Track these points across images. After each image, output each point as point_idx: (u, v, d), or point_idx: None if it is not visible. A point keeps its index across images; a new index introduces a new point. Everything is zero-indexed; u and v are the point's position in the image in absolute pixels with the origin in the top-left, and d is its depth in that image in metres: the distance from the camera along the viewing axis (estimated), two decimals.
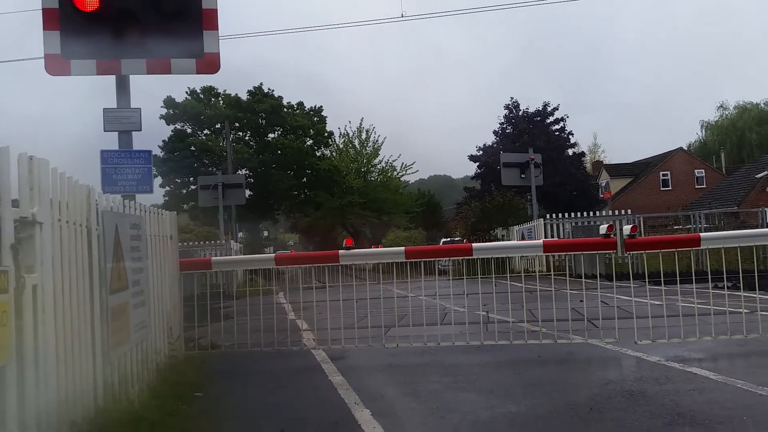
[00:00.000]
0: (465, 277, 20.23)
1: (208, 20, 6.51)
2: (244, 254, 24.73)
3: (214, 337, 8.16)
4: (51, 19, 6.40)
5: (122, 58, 6.39)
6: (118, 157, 6.56)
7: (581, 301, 11.22)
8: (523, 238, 20.84)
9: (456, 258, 24.61)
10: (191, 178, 40.10)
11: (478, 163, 41.39)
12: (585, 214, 19.74)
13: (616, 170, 50.13)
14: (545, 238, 19.35)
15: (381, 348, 7.56)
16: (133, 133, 6.81)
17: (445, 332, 8.45)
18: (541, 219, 20.27)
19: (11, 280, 3.07)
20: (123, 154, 6.57)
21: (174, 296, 6.82)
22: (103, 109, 6.62)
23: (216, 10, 6.58)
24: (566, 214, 19.47)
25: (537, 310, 10.03)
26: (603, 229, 7.53)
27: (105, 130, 6.72)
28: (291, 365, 6.66)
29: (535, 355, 6.73)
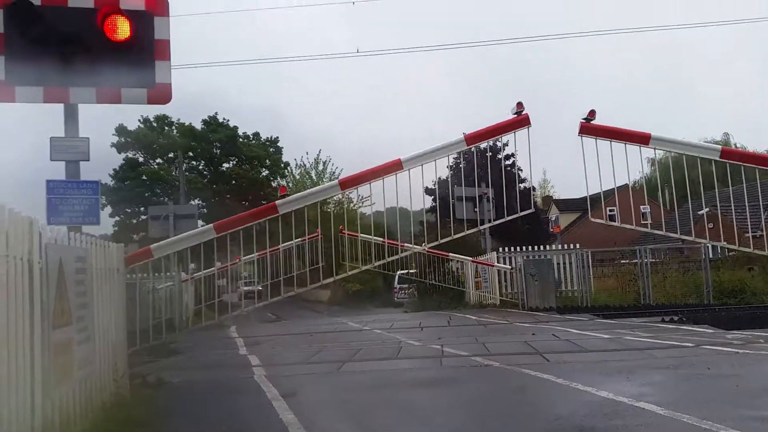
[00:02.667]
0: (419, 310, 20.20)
1: (160, 50, 6.44)
2: (195, 286, 24.13)
3: (162, 372, 7.89)
4: None
5: (71, 86, 6.25)
6: (64, 187, 6.36)
7: (533, 334, 11.40)
8: (477, 272, 21.05)
9: (410, 282, 24.58)
10: (142, 208, 39.12)
11: (432, 197, 41.91)
12: (536, 247, 20.24)
13: (565, 205, 51.47)
14: (498, 272, 19.60)
15: (335, 383, 7.44)
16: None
17: (400, 366, 8.40)
18: (494, 252, 20.58)
19: None
20: (70, 185, 6.37)
21: (120, 331, 6.58)
22: (50, 137, 6.43)
23: (168, 40, 6.52)
24: (518, 248, 19.92)
25: (490, 343, 10.11)
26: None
27: (51, 159, 6.51)
28: (242, 403, 6.46)
29: (488, 390, 6.74)
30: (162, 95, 6.52)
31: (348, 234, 24.11)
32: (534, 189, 46.47)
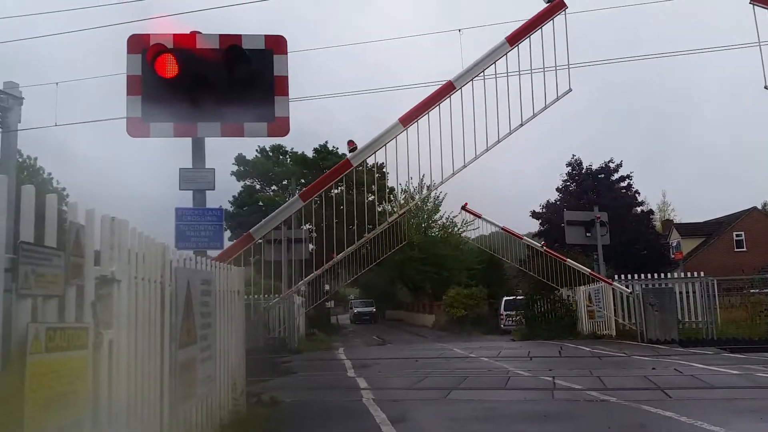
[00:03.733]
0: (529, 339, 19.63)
1: (279, 87, 6.85)
2: (306, 308, 24.97)
3: (276, 392, 8.19)
4: (134, 85, 6.89)
5: (198, 122, 6.78)
6: (192, 214, 6.87)
7: (653, 368, 10.70)
8: (590, 300, 20.14)
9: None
10: None
11: (540, 221, 40.87)
12: (657, 275, 18.83)
13: (688, 230, 48.14)
14: (613, 300, 18.64)
15: (442, 411, 7.38)
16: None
17: (508, 398, 8.18)
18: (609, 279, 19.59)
19: (90, 336, 3.22)
20: (197, 212, 6.88)
21: (239, 351, 6.93)
22: (180, 169, 7.00)
23: (287, 77, 6.92)
24: (636, 275, 18.64)
25: (607, 377, 9.62)
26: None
27: (180, 189, 7.07)
28: (351, 426, 6.57)
29: (604, 427, 6.41)
30: (281, 128, 6.91)
31: None
32: (652, 212, 44.08)
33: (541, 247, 23.22)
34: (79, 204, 3.27)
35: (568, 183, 40.82)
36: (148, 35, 6.87)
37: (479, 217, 25.03)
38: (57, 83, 20.95)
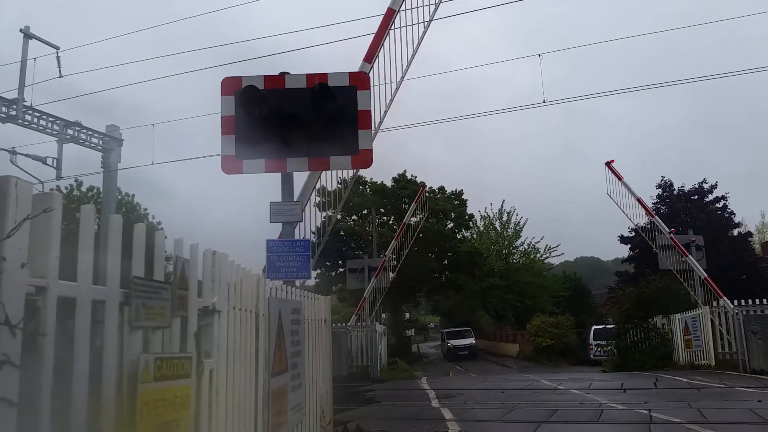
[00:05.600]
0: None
1: (362, 120, 7.06)
2: (387, 336, 25.03)
3: (361, 422, 8.24)
4: (228, 125, 7.29)
5: (288, 158, 7.08)
6: (281, 246, 7.13)
7: (759, 401, 9.94)
8: (686, 329, 19.03)
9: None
10: (340, 261, 41.91)
11: (630, 245, 39.23)
12: (759, 300, 17.51)
13: None
14: (712, 327, 17.53)
15: None
16: None
17: (603, 431, 7.85)
18: (707, 306, 18.45)
19: (193, 366, 3.40)
20: (286, 243, 7.13)
21: (326, 379, 7.05)
22: (270, 202, 7.30)
23: (369, 110, 7.13)
24: (737, 301, 17.41)
25: (707, 409, 9.04)
26: None
27: (270, 222, 7.37)
28: None
29: None
30: (364, 160, 7.09)
31: None
32: (750, 234, 41.31)
33: (669, 233, 22.08)
34: (184, 239, 3.48)
35: (659, 206, 39.13)
36: (240, 78, 7.28)
37: (620, 179, 23.82)
38: (153, 125, 22.46)
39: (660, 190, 39.41)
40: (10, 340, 1.92)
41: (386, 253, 26.22)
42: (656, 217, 23.87)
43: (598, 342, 27.15)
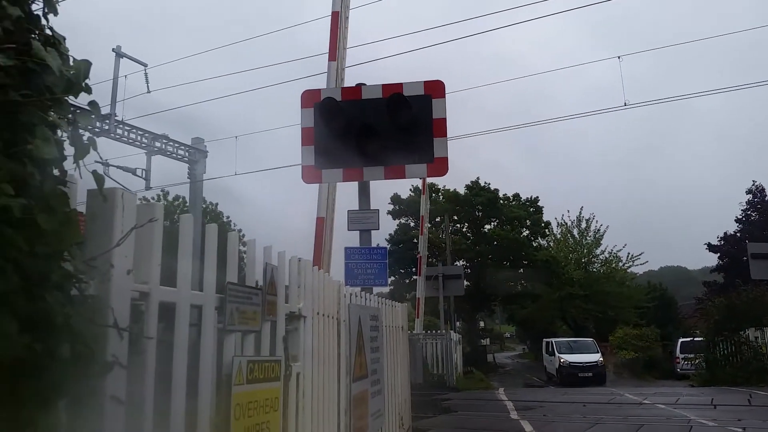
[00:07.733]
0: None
1: (438, 129, 7.09)
2: (462, 345, 24.80)
3: (439, 430, 8.23)
4: (308, 136, 7.51)
5: (364, 167, 7.21)
6: (359, 253, 7.27)
7: None
8: None
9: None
10: (413, 269, 42.03)
11: (719, 254, 37.31)
12: None
13: None
14: None
15: None
16: None
17: None
18: None
19: (282, 369, 3.53)
20: (363, 251, 7.27)
21: (405, 386, 7.10)
22: (348, 211, 7.47)
23: (445, 119, 7.15)
24: None
25: None
26: None
27: (348, 230, 7.53)
28: None
29: None
30: (439, 168, 7.12)
31: None
32: None
33: None
34: (273, 246, 3.63)
35: (750, 212, 37.02)
36: (319, 90, 7.49)
37: None
38: (236, 137, 23.39)
39: (750, 195, 37.38)
40: (118, 343, 2.06)
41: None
42: None
43: (686, 355, 25.84)
